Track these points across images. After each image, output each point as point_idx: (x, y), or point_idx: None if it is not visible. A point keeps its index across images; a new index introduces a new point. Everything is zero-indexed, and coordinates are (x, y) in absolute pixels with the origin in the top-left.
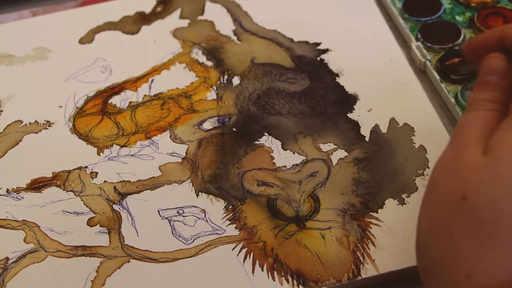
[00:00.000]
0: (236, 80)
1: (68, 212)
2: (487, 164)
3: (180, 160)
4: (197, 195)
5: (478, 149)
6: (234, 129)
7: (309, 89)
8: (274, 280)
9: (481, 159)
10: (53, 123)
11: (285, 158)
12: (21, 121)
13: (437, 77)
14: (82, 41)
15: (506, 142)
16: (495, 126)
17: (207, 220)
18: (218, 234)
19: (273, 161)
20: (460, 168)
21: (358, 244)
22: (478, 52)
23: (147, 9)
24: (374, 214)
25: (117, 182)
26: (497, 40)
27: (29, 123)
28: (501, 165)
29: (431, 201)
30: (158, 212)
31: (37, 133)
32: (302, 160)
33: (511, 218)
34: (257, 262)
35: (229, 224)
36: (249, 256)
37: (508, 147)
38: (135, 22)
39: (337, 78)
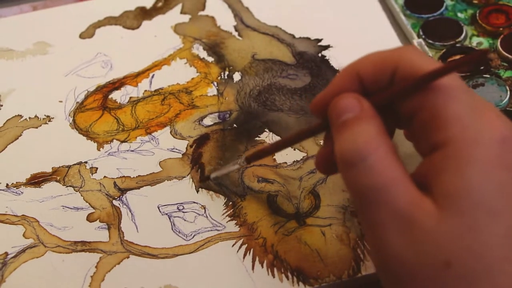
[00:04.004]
0: (237, 76)
1: (67, 207)
2: (455, 219)
3: (180, 156)
4: (197, 191)
5: (426, 205)
6: (234, 125)
7: (310, 86)
8: (274, 277)
9: (442, 217)
10: (53, 118)
11: (285, 154)
12: (21, 116)
13: None
14: (82, 35)
15: (463, 188)
16: (399, 165)
17: (207, 216)
18: (218, 230)
19: (274, 157)
20: (429, 235)
21: (359, 241)
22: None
23: (148, 4)
24: None
25: (117, 178)
26: (355, 81)
27: (29, 117)
28: (471, 216)
29: (402, 278)
30: (158, 208)
31: (37, 128)
32: (303, 157)
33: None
34: (257, 258)
35: (229, 221)
36: (249, 253)
37: (468, 193)
38: (136, 17)
39: None
